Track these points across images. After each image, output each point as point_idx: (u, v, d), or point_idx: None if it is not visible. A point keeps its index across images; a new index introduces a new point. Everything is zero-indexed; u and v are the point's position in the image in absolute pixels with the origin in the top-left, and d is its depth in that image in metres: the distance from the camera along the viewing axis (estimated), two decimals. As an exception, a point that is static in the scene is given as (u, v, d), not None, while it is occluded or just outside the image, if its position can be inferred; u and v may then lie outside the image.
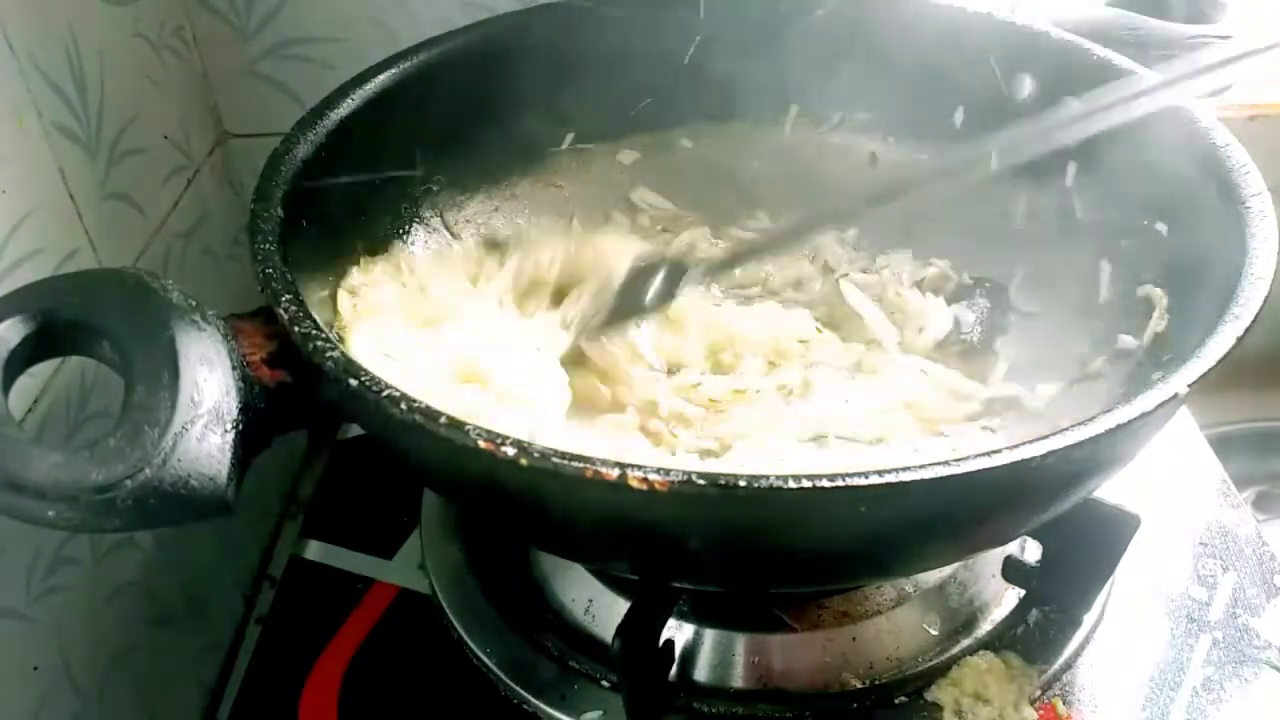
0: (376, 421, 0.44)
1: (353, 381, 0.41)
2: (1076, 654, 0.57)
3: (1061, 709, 0.55)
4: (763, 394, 0.58)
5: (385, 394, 0.40)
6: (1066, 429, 0.38)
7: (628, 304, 0.60)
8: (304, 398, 0.46)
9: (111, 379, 0.43)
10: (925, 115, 0.69)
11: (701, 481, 0.36)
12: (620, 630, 0.48)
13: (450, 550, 0.64)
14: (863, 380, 0.60)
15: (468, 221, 0.69)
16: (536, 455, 0.37)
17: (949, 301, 0.65)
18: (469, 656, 0.59)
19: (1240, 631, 0.59)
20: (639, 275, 0.61)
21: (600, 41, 0.69)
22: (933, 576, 0.59)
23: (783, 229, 0.68)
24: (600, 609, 0.58)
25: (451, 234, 0.67)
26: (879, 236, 0.71)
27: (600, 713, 0.55)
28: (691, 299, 0.64)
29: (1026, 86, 0.65)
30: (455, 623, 0.60)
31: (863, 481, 0.36)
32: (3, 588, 0.52)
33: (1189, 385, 0.40)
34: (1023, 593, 0.59)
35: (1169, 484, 0.69)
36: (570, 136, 0.72)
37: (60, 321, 0.43)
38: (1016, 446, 0.38)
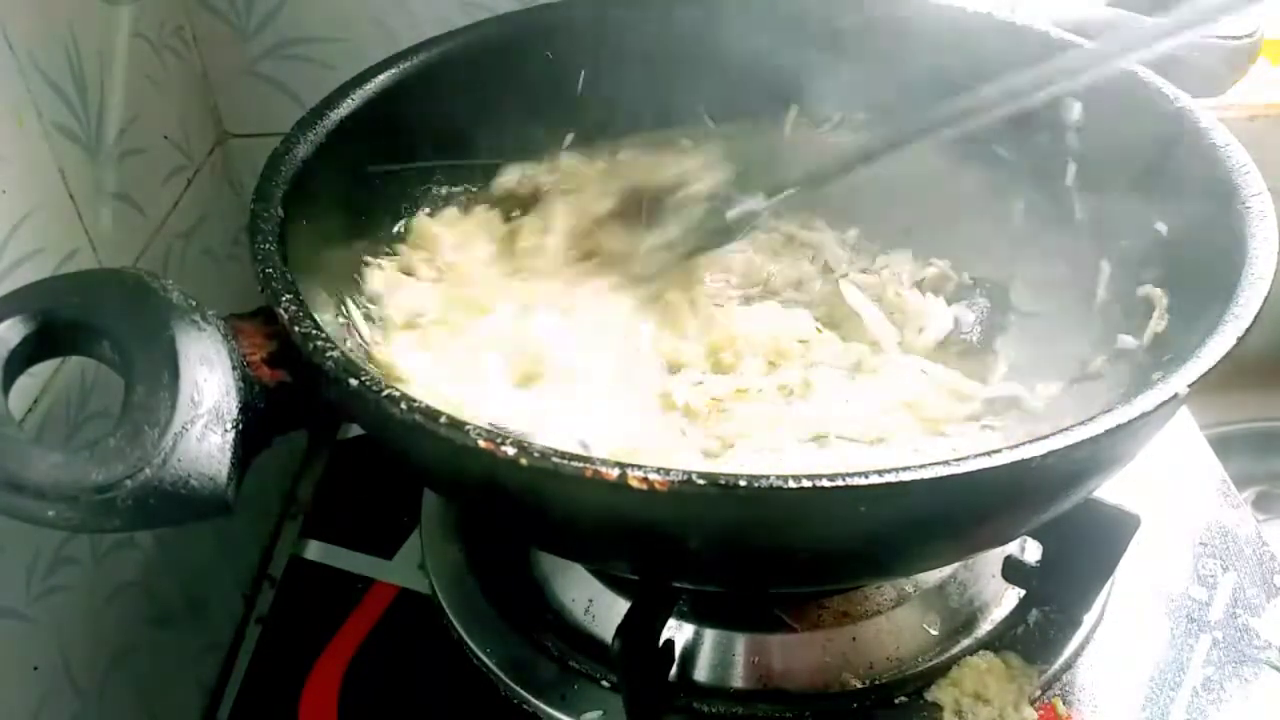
0: (376, 421, 0.44)
1: (353, 381, 0.41)
2: (1076, 654, 0.57)
3: (1061, 709, 0.55)
4: (764, 393, 0.58)
5: (385, 394, 0.40)
6: (1066, 429, 0.38)
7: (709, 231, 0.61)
8: (304, 398, 0.46)
9: (111, 379, 0.43)
10: (925, 114, 0.69)
11: (701, 481, 0.36)
12: (620, 630, 0.48)
13: (450, 550, 0.64)
14: (863, 380, 0.60)
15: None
16: (536, 455, 0.37)
17: (949, 301, 0.65)
18: (469, 656, 0.59)
19: (1240, 631, 0.59)
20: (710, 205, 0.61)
21: (600, 41, 0.69)
22: (933, 576, 0.59)
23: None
24: (600, 609, 0.58)
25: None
26: (879, 236, 0.71)
27: (600, 713, 0.55)
28: (693, 296, 0.64)
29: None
30: (455, 623, 0.60)
31: (863, 481, 0.36)
32: (3, 588, 0.52)
33: (1189, 385, 0.40)
34: (1023, 593, 0.59)
35: (1169, 484, 0.69)
36: (570, 137, 0.72)
37: (60, 321, 0.43)
38: (1016, 446, 0.38)
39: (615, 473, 0.36)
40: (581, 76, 0.69)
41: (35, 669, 0.55)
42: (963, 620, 0.58)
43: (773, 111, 0.74)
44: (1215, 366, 0.41)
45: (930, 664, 0.56)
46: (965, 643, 0.57)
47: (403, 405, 0.39)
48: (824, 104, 0.72)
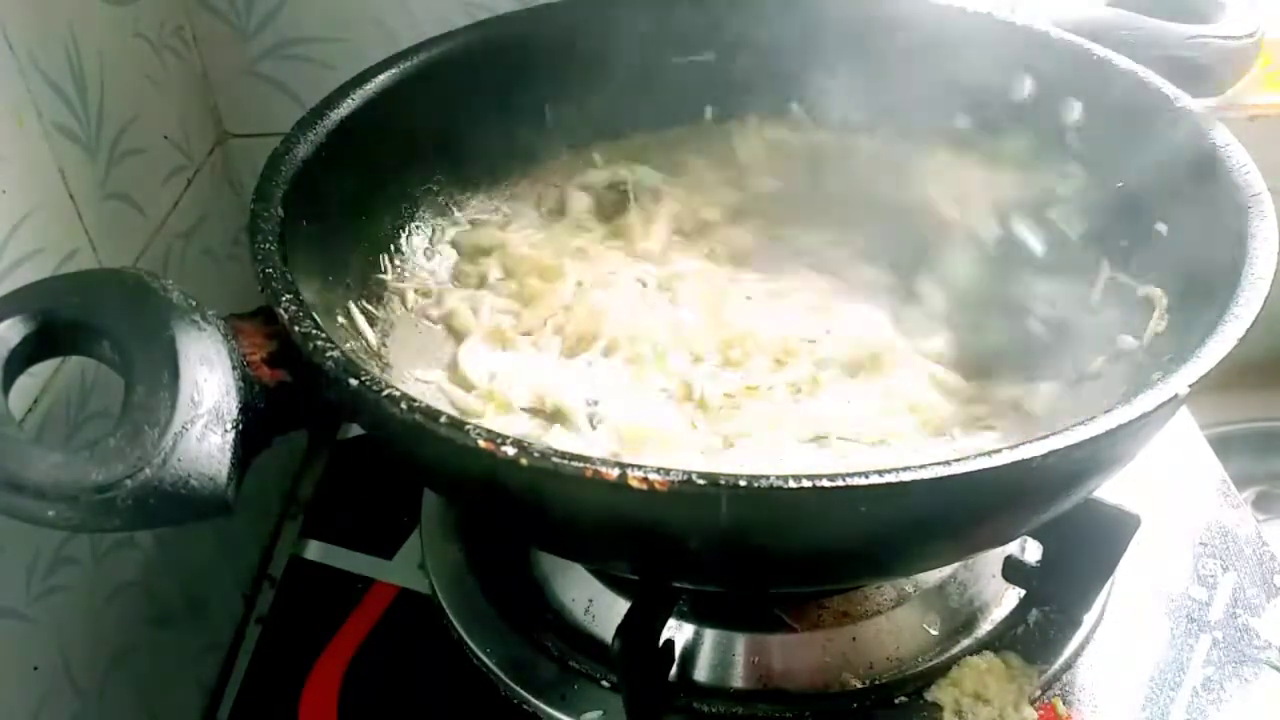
0: (376, 421, 0.44)
1: (353, 381, 0.41)
2: (1076, 654, 0.57)
3: (1061, 709, 0.55)
4: (774, 390, 0.58)
5: (385, 394, 0.40)
6: (1066, 429, 0.38)
7: None
8: (304, 398, 0.46)
9: (111, 379, 0.43)
10: (925, 115, 0.69)
11: (701, 481, 0.36)
12: (620, 630, 0.48)
13: (450, 550, 0.64)
14: (868, 382, 0.60)
15: (468, 221, 0.69)
16: (536, 455, 0.37)
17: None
18: (469, 656, 0.59)
19: (1240, 631, 0.59)
20: None
21: (600, 41, 0.69)
22: (933, 576, 0.59)
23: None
24: (600, 609, 0.58)
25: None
26: (878, 237, 0.71)
27: (600, 713, 0.55)
28: (719, 289, 0.65)
29: (1027, 86, 0.65)
30: (455, 623, 0.60)
31: (863, 481, 0.36)
32: (3, 588, 0.52)
33: (1189, 385, 0.40)
34: (1023, 593, 0.59)
35: (1169, 484, 0.69)
36: (570, 136, 0.72)
37: (60, 321, 0.43)
38: (1016, 446, 0.38)
39: (615, 473, 0.36)
40: (581, 77, 0.69)
41: (35, 669, 0.55)
42: (963, 620, 0.58)
43: (773, 111, 0.74)
44: (1215, 367, 0.41)
45: (930, 664, 0.56)
46: (965, 643, 0.57)
47: (403, 405, 0.39)
48: (824, 103, 0.72)
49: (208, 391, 0.42)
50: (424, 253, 0.66)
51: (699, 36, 0.71)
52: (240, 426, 0.43)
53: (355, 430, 0.77)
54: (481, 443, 0.38)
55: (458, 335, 0.63)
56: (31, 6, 0.55)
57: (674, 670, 0.54)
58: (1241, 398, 0.93)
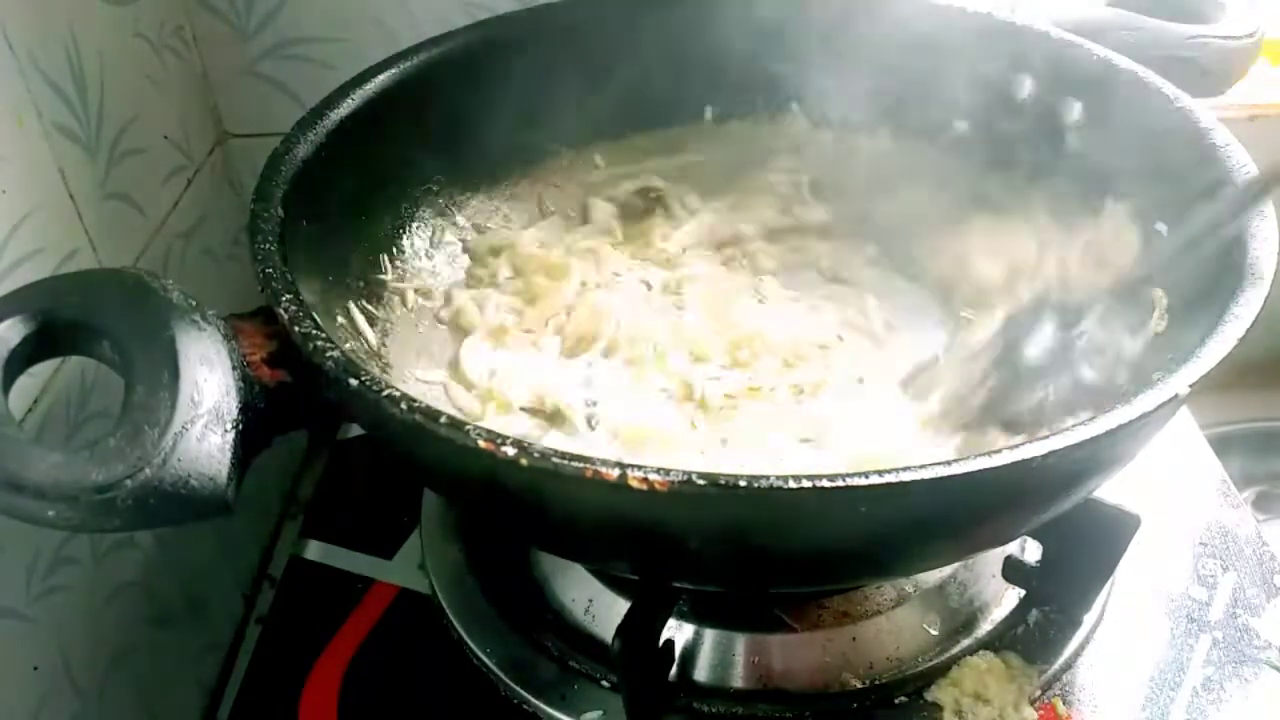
0: (376, 421, 0.44)
1: (353, 381, 0.41)
2: (1076, 654, 0.57)
3: (1061, 709, 0.55)
4: (776, 392, 0.58)
5: (385, 394, 0.40)
6: (1066, 429, 0.38)
7: None
8: (304, 398, 0.46)
9: (111, 379, 0.43)
10: (925, 114, 0.69)
11: (701, 481, 0.36)
12: (620, 630, 0.48)
13: (450, 550, 0.64)
14: (872, 385, 0.60)
15: (467, 221, 0.69)
16: (536, 455, 0.37)
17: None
18: (469, 656, 0.59)
19: (1240, 631, 0.59)
20: None
21: (600, 41, 0.69)
22: (933, 576, 0.59)
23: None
24: (600, 609, 0.58)
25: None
26: (876, 238, 0.71)
27: (600, 713, 0.55)
28: (726, 292, 0.65)
29: (1026, 86, 0.65)
30: (455, 623, 0.60)
31: (863, 481, 0.36)
32: (3, 588, 0.52)
33: (1189, 385, 0.40)
34: (1023, 593, 0.59)
35: (1169, 484, 0.69)
36: (570, 136, 0.72)
37: (60, 321, 0.43)
38: (1016, 446, 0.38)
39: (615, 473, 0.36)
40: (582, 77, 0.69)
41: (35, 669, 0.55)
42: (963, 620, 0.58)
43: (774, 111, 0.74)
44: (1215, 367, 0.41)
45: (930, 664, 0.56)
46: (965, 643, 0.57)
47: (403, 405, 0.39)
48: (825, 103, 0.72)
49: (208, 391, 0.42)
50: (424, 253, 0.66)
51: (699, 37, 0.71)
52: (240, 426, 0.43)
53: (355, 430, 0.77)
54: (481, 443, 0.38)
55: (462, 334, 0.63)
56: (31, 6, 0.55)
57: (674, 670, 0.54)
58: (1241, 398, 0.93)
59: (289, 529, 0.85)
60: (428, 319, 0.64)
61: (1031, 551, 0.58)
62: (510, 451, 0.37)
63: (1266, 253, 0.47)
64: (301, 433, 0.77)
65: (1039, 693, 0.55)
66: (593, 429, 0.57)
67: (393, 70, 0.62)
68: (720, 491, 0.36)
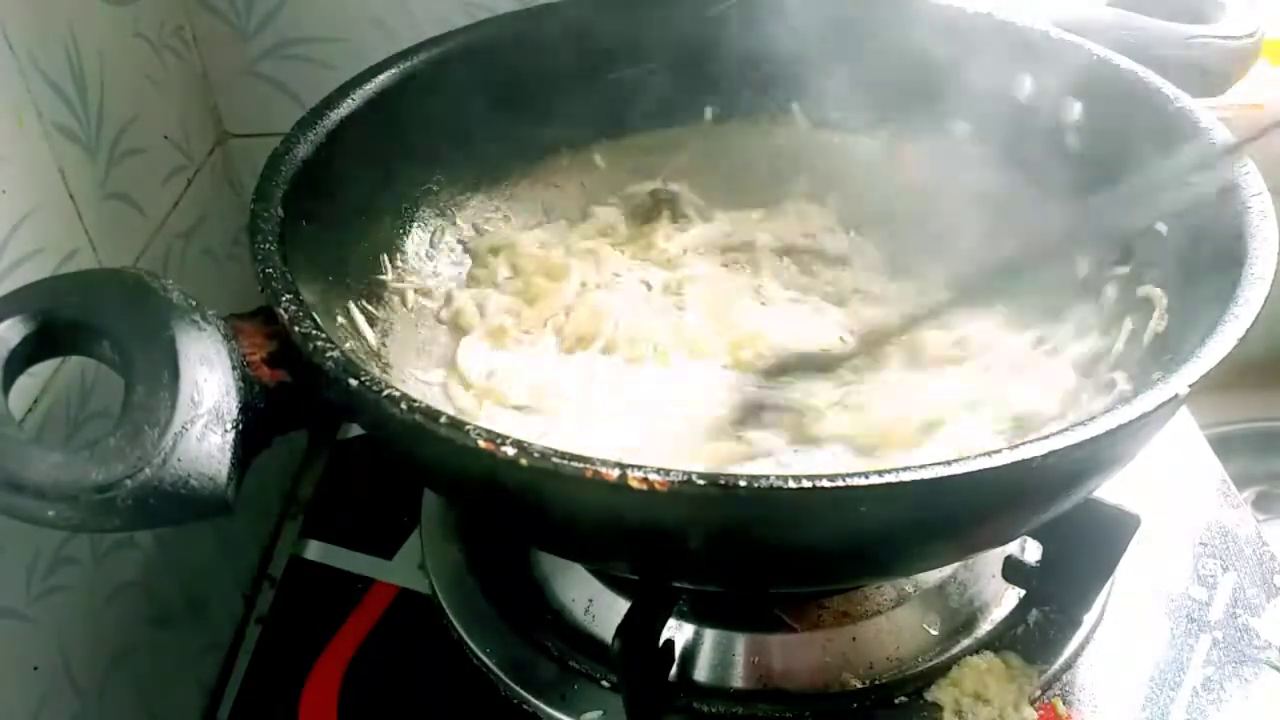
0: (376, 421, 0.44)
1: (353, 381, 0.41)
2: (1076, 654, 0.57)
3: (1061, 709, 0.55)
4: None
5: (385, 394, 0.40)
6: (1066, 429, 0.38)
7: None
8: (304, 398, 0.46)
9: (111, 379, 0.43)
10: (926, 114, 0.69)
11: (701, 481, 0.36)
12: (620, 630, 0.48)
13: (450, 550, 0.64)
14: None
15: (467, 221, 0.69)
16: (536, 455, 0.37)
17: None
18: (469, 656, 0.59)
19: (1240, 631, 0.59)
20: None
21: (600, 41, 0.69)
22: (933, 576, 0.59)
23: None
24: (600, 609, 0.58)
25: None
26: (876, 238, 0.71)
27: (600, 713, 0.55)
28: (727, 292, 0.65)
29: (1026, 86, 0.65)
30: (455, 623, 0.60)
31: (863, 481, 0.36)
32: (3, 588, 0.52)
33: (1189, 385, 0.40)
34: (1023, 593, 0.59)
35: (1169, 484, 0.69)
36: (570, 136, 0.72)
37: (60, 321, 0.43)
38: (1016, 446, 0.38)
39: (615, 473, 0.36)
40: (582, 77, 0.69)
41: (35, 669, 0.55)
42: (963, 620, 0.58)
43: (774, 111, 0.74)
44: (1215, 366, 0.41)
45: (930, 664, 0.56)
46: (965, 643, 0.57)
47: (403, 405, 0.39)
48: (825, 103, 0.72)
49: (208, 391, 0.42)
50: (424, 253, 0.66)
51: (698, 37, 0.71)
52: (240, 426, 0.43)
53: (355, 430, 0.77)
54: (481, 443, 0.38)
55: (462, 334, 0.63)
56: (31, 6, 0.55)
57: (674, 670, 0.54)
58: (1241, 398, 0.93)
59: (289, 529, 0.85)
60: (428, 319, 0.64)
61: (1031, 551, 0.58)
62: (510, 451, 0.37)
63: (1266, 253, 0.47)
64: (301, 433, 0.77)
65: (1039, 693, 0.55)
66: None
67: (393, 70, 0.62)
68: (720, 491, 0.36)
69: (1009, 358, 0.59)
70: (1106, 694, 0.56)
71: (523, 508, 0.44)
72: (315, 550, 0.69)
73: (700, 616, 0.56)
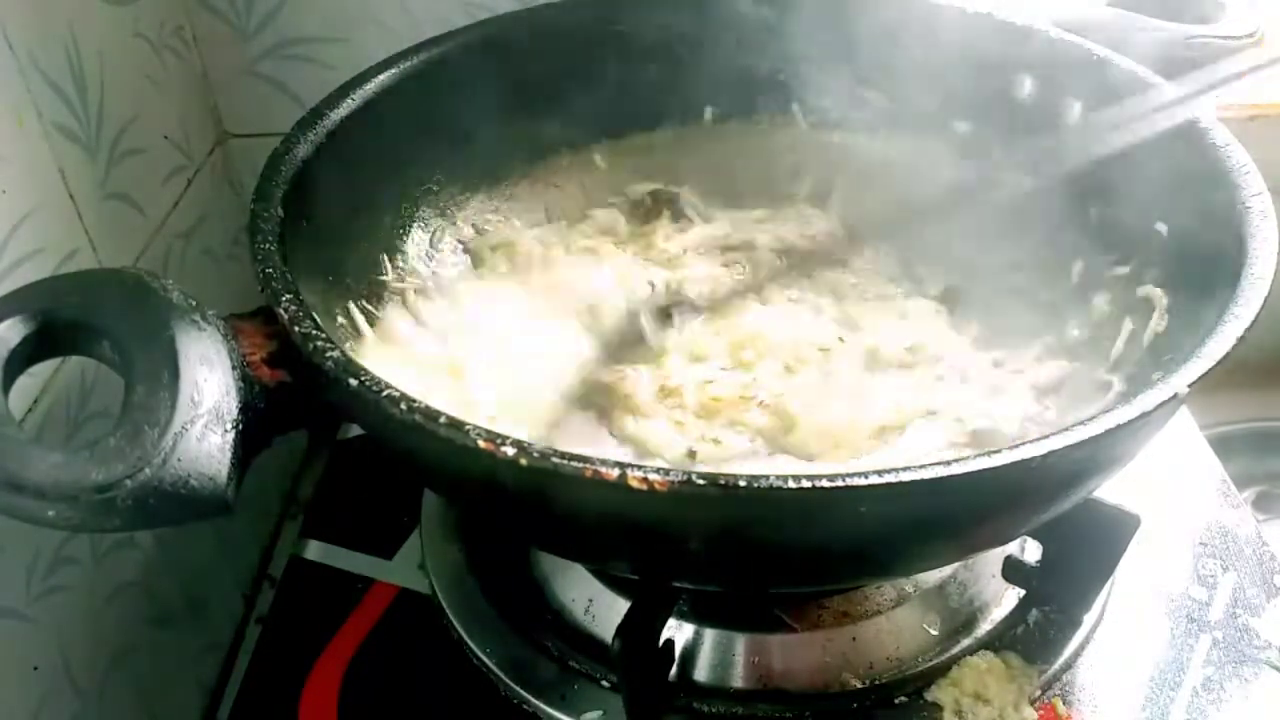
0: (376, 421, 0.44)
1: (353, 381, 0.41)
2: (1076, 654, 0.57)
3: (1061, 709, 0.55)
4: (766, 405, 0.58)
5: (385, 394, 0.40)
6: (1066, 429, 0.38)
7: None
8: (304, 398, 0.46)
9: (111, 379, 0.43)
10: (926, 114, 0.69)
11: (701, 481, 0.36)
12: (620, 630, 0.48)
13: (450, 550, 0.64)
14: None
15: (467, 221, 0.69)
16: (536, 455, 0.37)
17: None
18: (469, 656, 0.59)
19: (1240, 631, 0.59)
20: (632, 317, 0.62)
21: (600, 41, 0.69)
22: (933, 576, 0.59)
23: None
24: (600, 609, 0.58)
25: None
26: (876, 238, 0.71)
27: (600, 713, 0.55)
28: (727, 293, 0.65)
29: (1026, 86, 0.65)
30: (455, 623, 0.60)
31: (863, 481, 0.36)
32: (3, 588, 0.52)
33: (1189, 385, 0.40)
34: (1023, 593, 0.59)
35: (1169, 484, 0.69)
36: (571, 136, 0.72)
37: (60, 321, 0.43)
38: (1016, 446, 0.38)
39: (615, 473, 0.36)
40: (582, 77, 0.69)
41: (35, 669, 0.55)
42: (963, 620, 0.58)
43: (774, 111, 0.74)
44: (1215, 366, 0.41)
45: (930, 664, 0.56)
46: (965, 643, 0.57)
47: (402, 405, 0.39)
48: (825, 104, 0.72)
49: (208, 391, 0.42)
50: (424, 253, 0.66)
51: (699, 37, 0.71)
52: (240, 426, 0.43)
53: (355, 430, 0.77)
54: (481, 443, 0.38)
55: None
56: (31, 6, 0.55)
57: (674, 670, 0.54)
58: (1241, 398, 0.93)
59: (289, 529, 0.85)
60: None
61: (1031, 551, 0.58)
62: (510, 451, 0.37)
63: (1266, 253, 0.47)
64: (301, 433, 0.77)
65: (1039, 693, 0.55)
66: None
67: (393, 70, 0.62)
68: (720, 491, 0.36)
69: (961, 369, 0.59)
70: (1106, 694, 0.56)
71: (522, 508, 0.44)
72: (315, 550, 0.69)
73: (700, 616, 0.56)
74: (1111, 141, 0.59)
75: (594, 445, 0.56)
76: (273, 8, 0.77)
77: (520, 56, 0.67)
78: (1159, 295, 0.55)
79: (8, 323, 0.42)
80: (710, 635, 0.56)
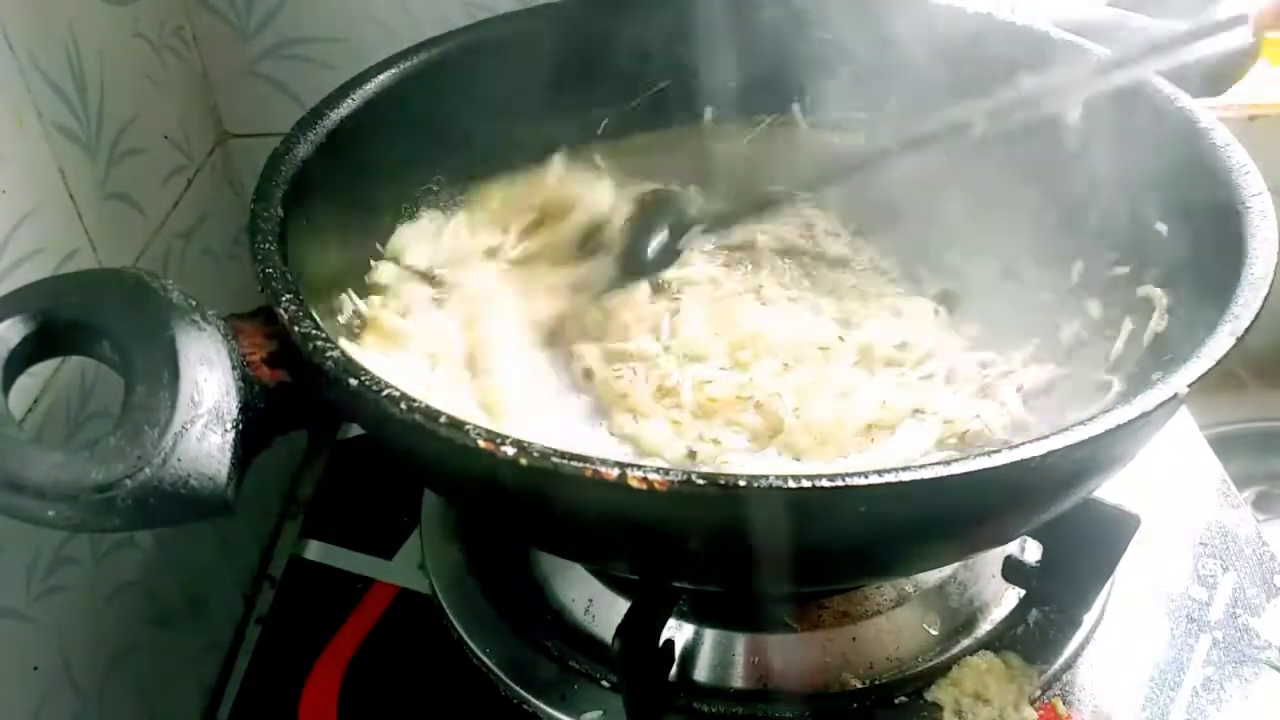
0: (376, 421, 0.44)
1: (353, 381, 0.41)
2: (1076, 654, 0.57)
3: (1061, 709, 0.55)
4: (763, 405, 0.58)
5: (385, 394, 0.40)
6: (1066, 429, 0.38)
7: (631, 265, 0.63)
8: (304, 398, 0.46)
9: (111, 379, 0.43)
10: (926, 115, 0.69)
11: (701, 481, 0.36)
12: (620, 630, 0.48)
13: (450, 550, 0.64)
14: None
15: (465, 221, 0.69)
16: (536, 455, 0.37)
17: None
18: (469, 656, 0.59)
19: (1240, 631, 0.59)
20: (638, 233, 0.63)
21: (600, 42, 0.69)
22: (933, 576, 0.59)
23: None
24: (600, 609, 0.58)
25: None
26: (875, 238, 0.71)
27: (600, 713, 0.55)
28: (727, 293, 0.65)
29: (1026, 87, 0.65)
30: (455, 623, 0.60)
31: (863, 481, 0.36)
32: (3, 588, 0.52)
33: (1189, 385, 0.40)
34: (1023, 593, 0.59)
35: (1169, 484, 0.69)
36: (571, 137, 0.72)
37: (60, 321, 0.43)
38: (1016, 446, 0.38)
39: (615, 473, 0.36)
40: (581, 77, 0.69)
41: (35, 669, 0.55)
42: (963, 620, 0.58)
43: (774, 112, 0.74)
44: (1215, 366, 0.41)
45: (930, 664, 0.56)
46: (965, 643, 0.57)
47: (402, 405, 0.39)
48: (824, 104, 0.72)
49: (208, 391, 0.42)
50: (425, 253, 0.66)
51: (699, 37, 0.71)
52: (240, 426, 0.43)
53: (355, 430, 0.77)
54: (481, 443, 0.38)
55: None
56: (31, 6, 0.55)
57: (674, 670, 0.54)
58: (1241, 398, 0.93)
59: (289, 529, 0.85)
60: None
61: (1031, 551, 0.58)
62: (510, 451, 0.37)
63: (1266, 253, 0.47)
64: (301, 433, 0.77)
65: (1039, 693, 0.55)
66: None
67: (393, 70, 0.62)
68: (720, 491, 0.36)
69: (950, 369, 0.59)
70: (1106, 694, 0.56)
71: (522, 507, 0.44)
72: (315, 550, 0.69)
73: (700, 616, 0.56)
74: (1111, 142, 0.59)
75: (593, 445, 0.56)
76: (273, 8, 0.77)
77: (520, 56, 0.67)
78: (1159, 295, 0.55)
79: (8, 323, 0.42)
80: (710, 635, 0.56)
